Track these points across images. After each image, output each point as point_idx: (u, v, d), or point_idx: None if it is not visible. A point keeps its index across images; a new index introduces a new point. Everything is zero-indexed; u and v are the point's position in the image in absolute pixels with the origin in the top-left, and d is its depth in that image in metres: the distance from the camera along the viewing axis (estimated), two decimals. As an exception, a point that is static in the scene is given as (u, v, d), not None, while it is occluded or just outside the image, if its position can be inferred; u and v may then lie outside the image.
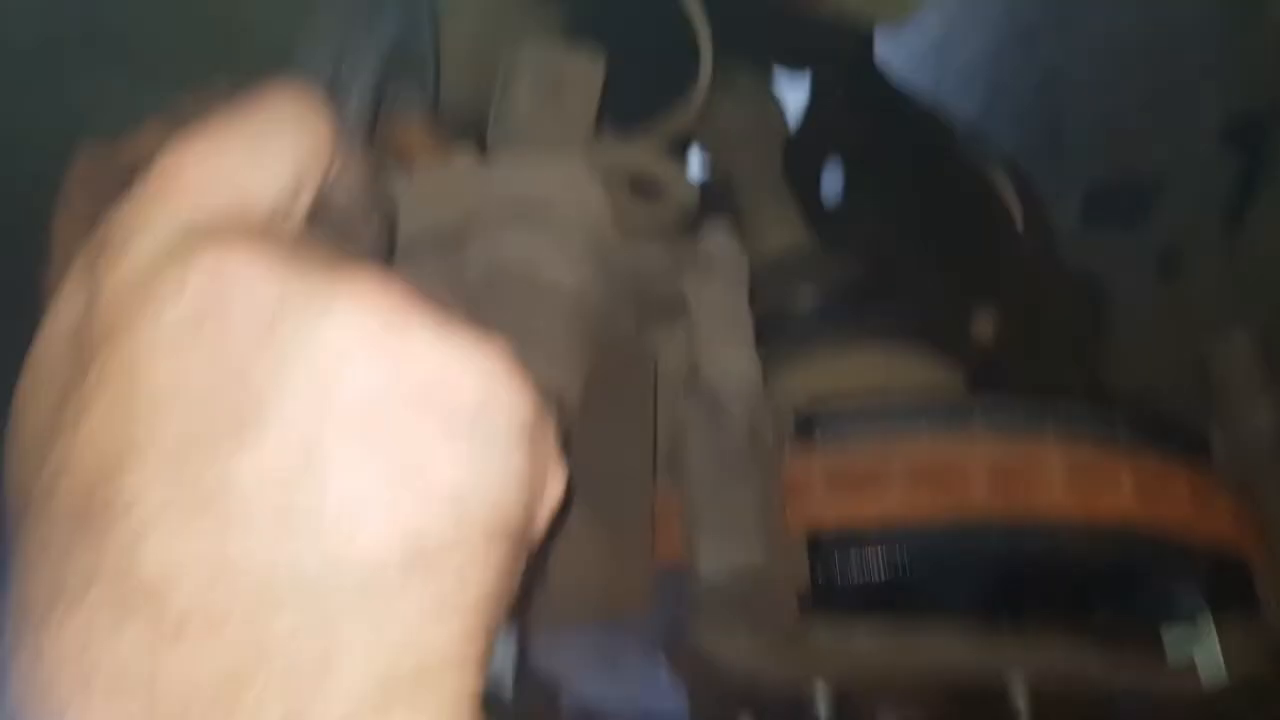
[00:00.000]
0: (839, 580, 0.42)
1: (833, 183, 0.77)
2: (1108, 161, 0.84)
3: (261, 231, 0.26)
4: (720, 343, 0.46)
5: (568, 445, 0.49)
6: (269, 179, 0.28)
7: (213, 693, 0.20)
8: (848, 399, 0.45)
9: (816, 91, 0.77)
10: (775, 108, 0.72)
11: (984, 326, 0.65)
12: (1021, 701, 0.48)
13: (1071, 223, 0.86)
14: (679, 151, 0.69)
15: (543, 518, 0.27)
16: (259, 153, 0.28)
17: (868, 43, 0.72)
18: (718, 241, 0.50)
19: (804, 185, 0.73)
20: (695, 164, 0.73)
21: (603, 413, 0.50)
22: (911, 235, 0.71)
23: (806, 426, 0.45)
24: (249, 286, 0.23)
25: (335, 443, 0.22)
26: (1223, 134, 0.73)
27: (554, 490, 0.27)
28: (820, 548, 0.42)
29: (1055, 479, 0.42)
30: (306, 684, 0.21)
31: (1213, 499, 0.43)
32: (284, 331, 0.23)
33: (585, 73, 0.59)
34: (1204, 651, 0.46)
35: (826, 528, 0.42)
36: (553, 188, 0.51)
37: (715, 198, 0.69)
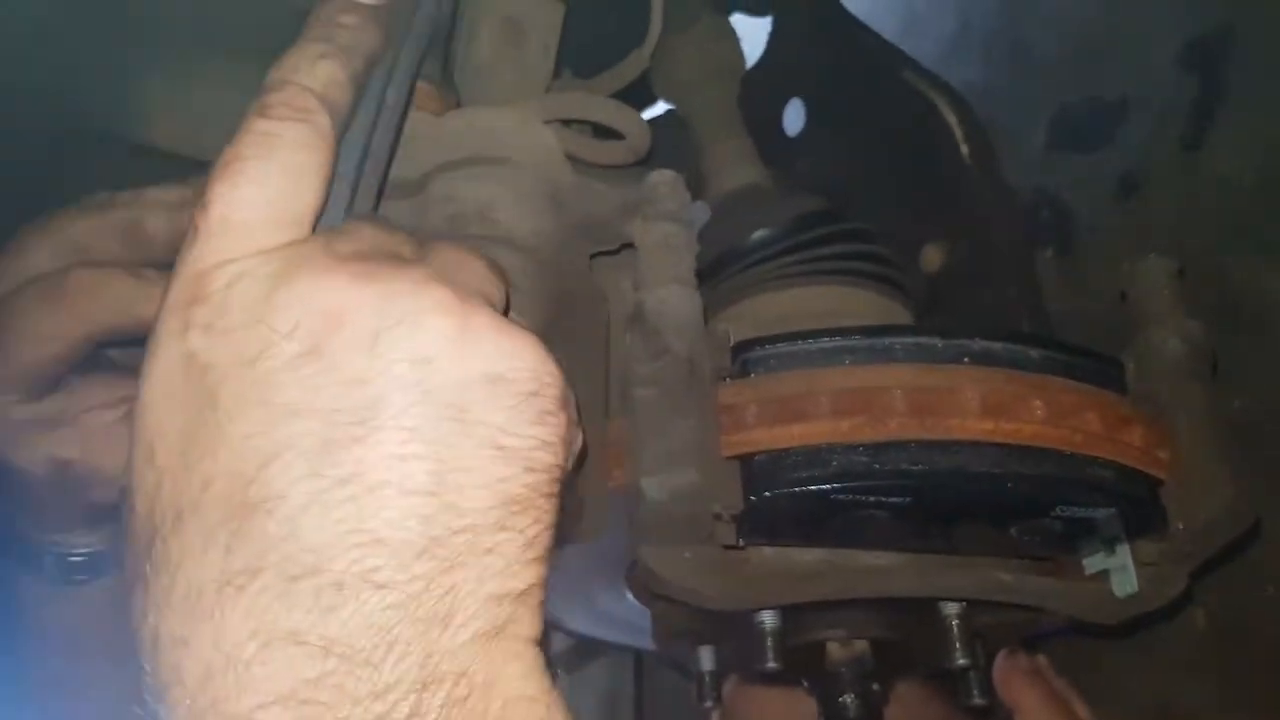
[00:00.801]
0: (771, 501, 0.45)
1: (793, 118, 0.78)
2: (1074, 83, 0.85)
3: (330, 251, 0.32)
4: (662, 281, 0.49)
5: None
6: (309, 195, 0.34)
7: (373, 641, 0.27)
8: (779, 333, 0.47)
9: (777, 30, 0.78)
10: (733, 47, 0.73)
11: (931, 256, 0.67)
12: (952, 615, 0.52)
13: (1039, 144, 0.87)
14: (639, 94, 0.71)
15: (573, 464, 0.34)
16: (291, 175, 0.33)
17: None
18: (664, 183, 0.53)
19: (762, 122, 0.75)
20: (654, 106, 0.75)
21: (558, 351, 0.53)
22: (867, 170, 0.73)
23: (741, 359, 0.47)
24: (347, 312, 0.30)
25: (437, 427, 0.29)
26: (1180, 58, 0.73)
27: (579, 440, 0.35)
28: (754, 471, 0.45)
29: (969, 404, 0.44)
30: (438, 625, 0.28)
31: (1123, 422, 0.46)
32: (382, 346, 0.30)
33: (546, 20, 0.60)
34: (1118, 568, 0.49)
35: (759, 450, 0.45)
36: (505, 138, 0.54)
37: (673, 138, 0.71)
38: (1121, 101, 0.80)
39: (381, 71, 0.41)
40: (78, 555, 0.54)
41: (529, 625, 0.30)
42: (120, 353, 0.52)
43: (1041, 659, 0.66)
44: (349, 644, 0.27)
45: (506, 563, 0.29)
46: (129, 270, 0.46)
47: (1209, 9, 0.71)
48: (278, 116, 0.34)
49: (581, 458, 0.36)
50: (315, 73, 0.36)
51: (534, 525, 0.30)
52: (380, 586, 0.28)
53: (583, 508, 0.49)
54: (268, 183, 0.32)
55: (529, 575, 0.30)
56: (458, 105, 0.54)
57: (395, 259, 0.33)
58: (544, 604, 0.30)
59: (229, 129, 0.34)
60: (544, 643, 0.31)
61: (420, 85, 0.50)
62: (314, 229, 0.34)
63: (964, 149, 0.64)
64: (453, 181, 0.54)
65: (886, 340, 0.46)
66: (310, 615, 0.27)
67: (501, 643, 0.29)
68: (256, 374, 0.29)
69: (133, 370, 0.45)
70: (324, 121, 0.35)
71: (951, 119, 0.64)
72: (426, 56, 0.48)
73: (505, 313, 0.36)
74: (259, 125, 0.34)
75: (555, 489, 0.31)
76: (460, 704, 0.27)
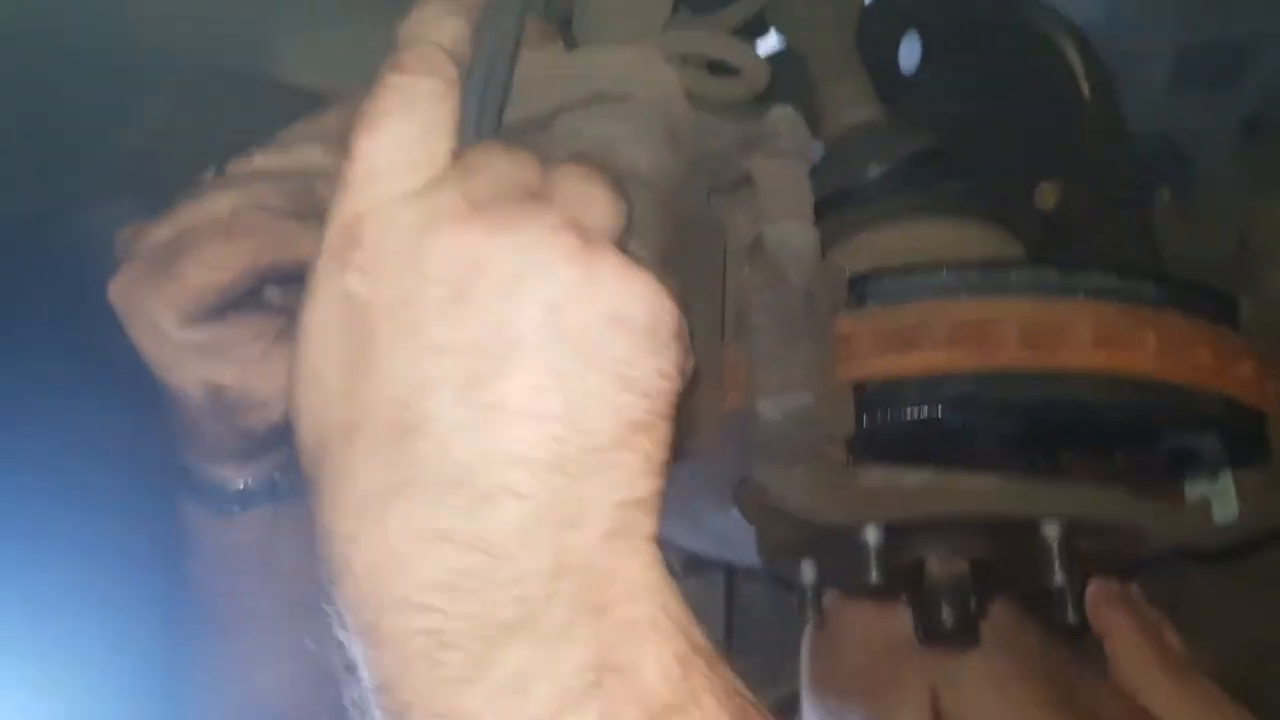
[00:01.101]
0: (883, 425, 0.47)
1: (908, 56, 0.78)
2: (1197, 25, 0.83)
3: (469, 197, 0.35)
4: (781, 216, 0.51)
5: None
6: (444, 142, 0.37)
7: (514, 540, 0.31)
8: (894, 266, 0.49)
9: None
10: (850, -17, 0.73)
11: (1047, 195, 0.68)
12: (1053, 537, 0.54)
13: (1161, 87, 0.85)
14: (754, 31, 0.72)
15: (686, 388, 0.38)
16: (427, 126, 0.37)
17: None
18: (783, 120, 0.54)
19: (879, 59, 0.75)
20: (770, 42, 0.75)
21: (679, 278, 0.55)
22: (983, 107, 0.73)
23: (858, 290, 0.49)
24: (486, 262, 0.33)
25: (568, 362, 0.33)
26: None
27: (691, 365, 0.39)
28: (868, 397, 0.48)
29: (1083, 337, 0.46)
30: (569, 527, 0.32)
31: (1234, 358, 0.47)
32: (520, 292, 0.33)
33: (662, -40, 0.62)
34: (1220, 495, 0.50)
35: (874, 379, 0.48)
36: (627, 74, 0.56)
37: (790, 74, 0.72)
38: (1247, 41, 0.78)
39: (497, 3, 0.44)
40: (233, 486, 0.60)
41: (648, 526, 0.34)
42: (278, 294, 0.57)
43: (1134, 587, 0.68)
44: (493, 541, 0.31)
45: (629, 476, 0.33)
46: (295, 215, 0.51)
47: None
48: (413, 71, 0.37)
49: (694, 380, 0.39)
50: (443, 28, 0.40)
51: (652, 443, 0.34)
52: (520, 496, 0.32)
53: (695, 425, 0.52)
54: (407, 134, 0.36)
55: (648, 486, 0.34)
56: (560, 40, 0.57)
57: (526, 197, 0.36)
58: (661, 510, 0.34)
59: (355, 63, 0.38)
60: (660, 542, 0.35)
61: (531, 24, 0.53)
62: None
63: (1085, 87, 0.64)
64: (576, 119, 0.57)
65: (1001, 273, 0.47)
66: (460, 519, 0.31)
67: (624, 541, 0.33)
68: (410, 314, 0.33)
69: (287, 311, 0.50)
70: (453, 74, 0.38)
71: (1074, 57, 0.64)
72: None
73: (625, 238, 0.39)
74: (396, 80, 0.37)
75: (671, 411, 0.35)
76: (587, 589, 0.32)
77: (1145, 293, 0.47)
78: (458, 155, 0.37)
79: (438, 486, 0.32)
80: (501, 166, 0.37)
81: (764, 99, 0.60)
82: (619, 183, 0.40)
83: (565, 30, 0.59)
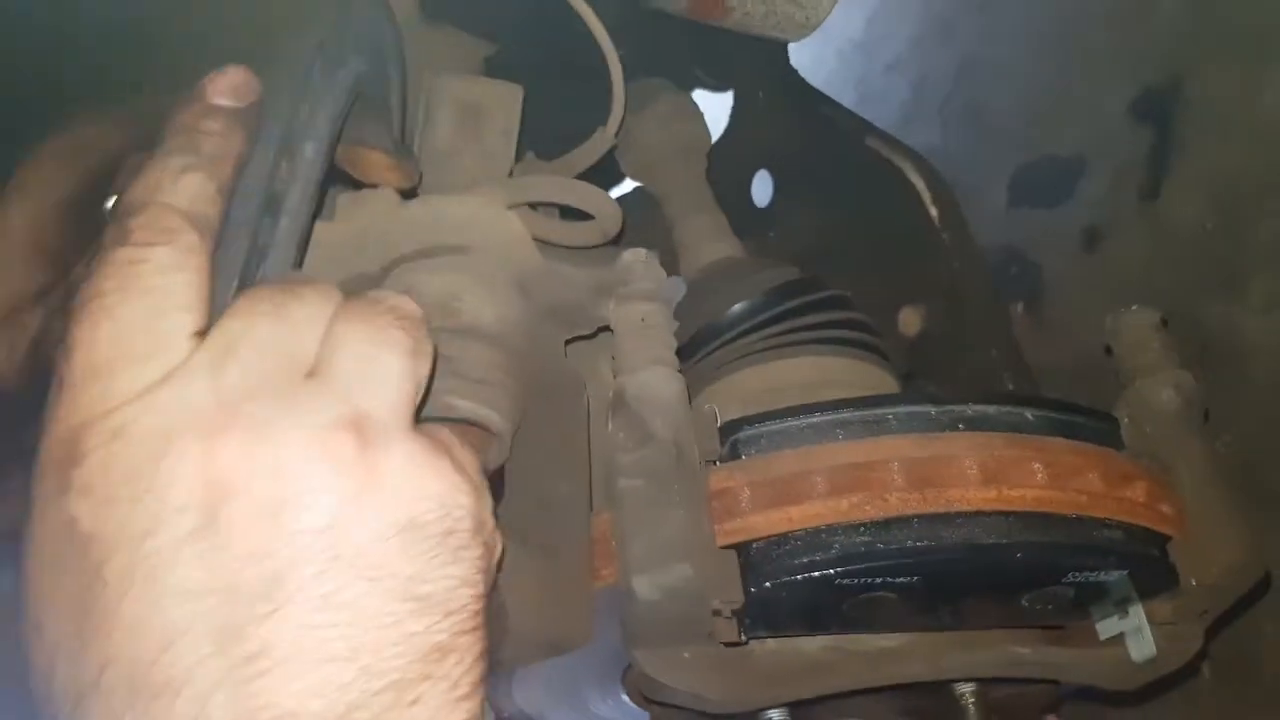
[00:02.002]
0: (773, 591, 0.43)
1: (763, 189, 0.78)
2: (1030, 142, 0.86)
3: (216, 393, 0.30)
4: (642, 364, 0.47)
5: (503, 481, 0.50)
6: (183, 317, 0.32)
7: None
8: (768, 411, 0.46)
9: (740, 102, 0.78)
10: (697, 122, 0.73)
11: (910, 320, 0.67)
12: (968, 694, 0.50)
13: (1001, 203, 0.88)
14: (604, 174, 0.70)
15: (494, 579, 0.34)
16: (156, 302, 0.32)
17: (783, 53, 0.73)
18: (637, 262, 0.51)
19: (732, 195, 0.74)
20: (620, 185, 0.74)
21: (536, 444, 0.51)
22: (838, 236, 0.72)
23: (730, 439, 0.46)
24: (241, 481, 0.28)
25: (350, 589, 0.28)
26: (1132, 111, 0.74)
27: (498, 548, 0.34)
28: (753, 560, 0.43)
29: (969, 473, 0.43)
30: None
31: (1125, 481, 0.45)
32: (284, 517, 0.28)
33: (505, 103, 0.60)
34: (1134, 632, 0.47)
35: (756, 538, 0.43)
36: (468, 225, 0.52)
37: (646, 214, 0.71)
38: (1078, 157, 0.81)
39: (275, 133, 0.40)
40: None
41: None
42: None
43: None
44: None
45: (433, 710, 0.29)
46: None
47: (1156, 63, 0.72)
48: (138, 241, 0.32)
49: (501, 559, 0.35)
50: (179, 188, 0.34)
51: (459, 664, 0.30)
52: None
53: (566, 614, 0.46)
54: (131, 318, 0.31)
55: (458, 714, 0.30)
56: (419, 175, 0.53)
57: (291, 381, 0.31)
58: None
59: None
60: None
61: (375, 155, 0.49)
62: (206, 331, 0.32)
63: (933, 211, 0.64)
64: (413, 272, 0.52)
65: (879, 411, 0.45)
66: None
67: None
68: (146, 551, 0.28)
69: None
70: (190, 239, 0.33)
71: (919, 182, 0.64)
72: (370, 122, 0.47)
73: (427, 389, 0.34)
74: (119, 255, 0.32)
75: (478, 620, 0.31)
76: None
77: (1025, 421, 0.45)
78: (211, 327, 0.32)
79: None
80: (265, 338, 0.31)
81: (619, 241, 0.57)
82: (420, 330, 0.34)
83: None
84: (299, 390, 0.31)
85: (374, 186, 0.51)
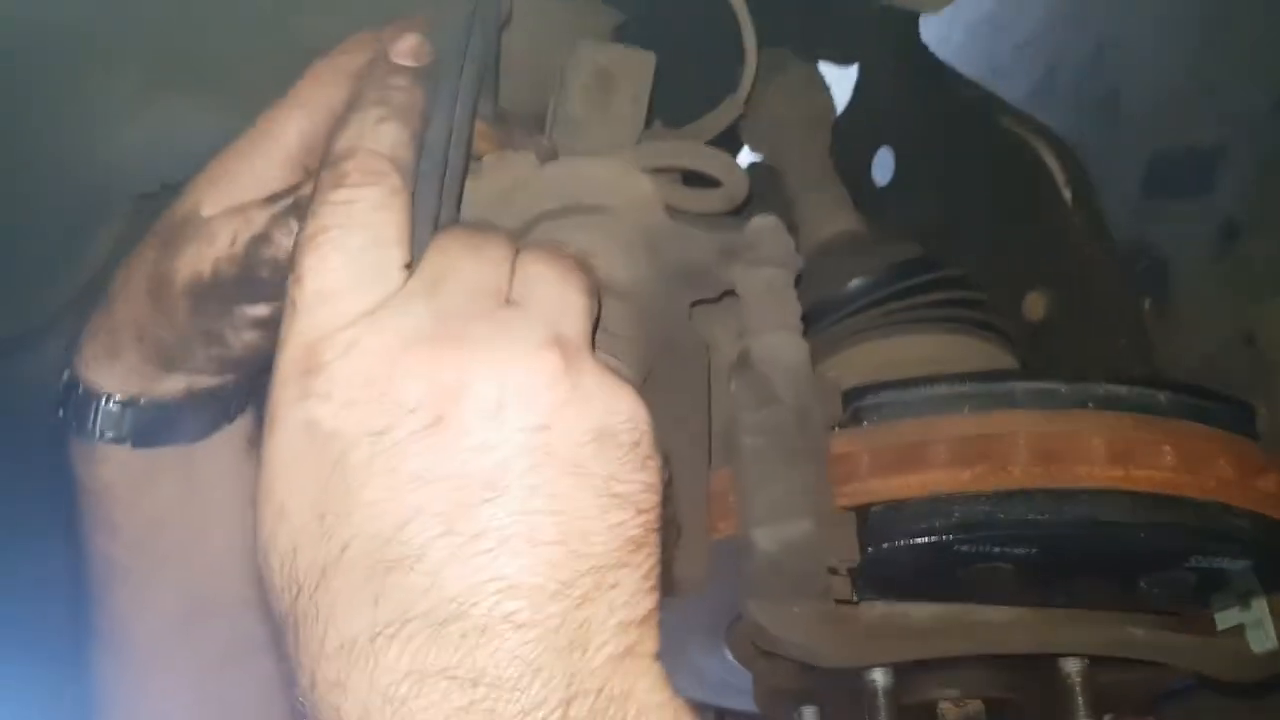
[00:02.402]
0: (889, 554, 0.44)
1: (884, 167, 0.78)
2: (1167, 131, 0.83)
3: (437, 313, 0.34)
4: (768, 328, 0.48)
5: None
6: (395, 250, 0.36)
7: (519, 671, 0.30)
8: (892, 380, 0.46)
9: (864, 77, 0.78)
10: (823, 95, 0.73)
11: (1035, 304, 0.66)
12: (1075, 673, 0.50)
13: (1133, 193, 0.85)
14: (730, 144, 0.71)
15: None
16: (374, 237, 0.35)
17: (913, 26, 0.72)
18: (766, 229, 0.52)
19: (855, 171, 0.74)
20: (746, 155, 0.75)
21: (659, 399, 0.52)
22: (960, 217, 0.72)
23: (853, 406, 0.46)
24: (467, 385, 0.32)
25: (559, 483, 0.32)
26: (1277, 103, 0.72)
27: (668, 479, 0.37)
28: (871, 523, 0.44)
29: (1096, 451, 0.43)
30: (576, 650, 0.31)
31: (1258, 471, 0.44)
32: (504, 415, 0.32)
33: (636, 70, 0.61)
34: (1254, 623, 0.46)
35: (874, 502, 0.44)
36: (604, 186, 0.54)
37: (767, 186, 0.71)
38: (1219, 148, 0.79)
39: (448, 95, 0.43)
40: (117, 395, 0.52)
41: (651, 644, 0.33)
42: None
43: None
44: (496, 674, 0.30)
45: (629, 594, 0.32)
46: None
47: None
48: (353, 183, 0.37)
49: (673, 506, 0.40)
50: (380, 136, 0.39)
51: (648, 559, 0.33)
52: (520, 626, 0.30)
53: (679, 558, 0.48)
54: (353, 249, 0.35)
55: (648, 602, 0.33)
56: (510, 145, 0.55)
57: (498, 307, 0.35)
58: (659, 622, 0.34)
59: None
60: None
61: (479, 125, 0.52)
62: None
63: (1066, 193, 0.63)
64: (552, 230, 0.54)
65: (1007, 385, 0.45)
66: (458, 654, 0.30)
67: (631, 660, 0.32)
68: (384, 444, 0.32)
69: None
70: (396, 180, 0.37)
71: (1053, 162, 0.63)
72: (481, 95, 0.50)
73: (595, 328, 0.38)
74: (338, 195, 0.36)
75: (660, 524, 0.34)
76: (602, 713, 0.30)
77: (1158, 403, 0.44)
78: (414, 262, 0.36)
79: (431, 623, 0.30)
80: (467, 271, 0.35)
81: (742, 211, 0.58)
82: (592, 278, 0.38)
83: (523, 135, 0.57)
84: (507, 314, 0.35)
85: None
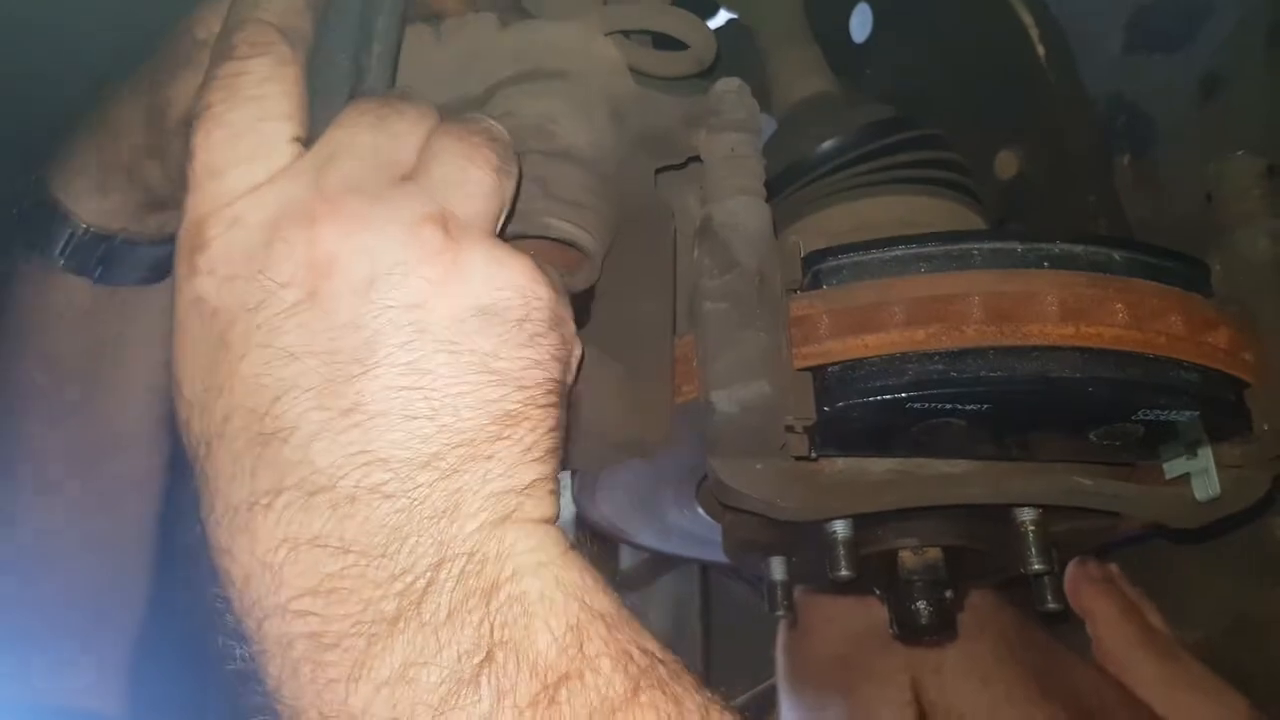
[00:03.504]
0: (845, 412, 0.45)
1: (860, 24, 0.76)
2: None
3: (320, 189, 0.33)
4: (730, 193, 0.48)
5: (592, 300, 0.52)
6: (283, 121, 0.35)
7: (386, 538, 0.31)
8: (850, 243, 0.47)
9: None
10: (796, -50, 0.70)
11: (1006, 163, 0.65)
12: (1028, 521, 0.52)
13: (1114, 48, 0.83)
14: (700, 3, 0.69)
15: (574, 373, 0.37)
16: (259, 108, 0.35)
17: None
18: (729, 93, 0.52)
19: (830, 29, 0.72)
20: (718, 16, 0.73)
21: (624, 267, 0.53)
22: (938, 75, 0.70)
23: (812, 270, 0.47)
24: (338, 261, 0.32)
25: (432, 359, 0.32)
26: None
27: (577, 349, 0.38)
28: (828, 383, 0.45)
29: (1049, 309, 0.43)
30: (445, 518, 0.31)
31: (1208, 327, 0.45)
32: (375, 292, 0.32)
33: (603, -72, 0.59)
34: (1200, 472, 0.48)
35: (831, 363, 0.45)
36: (567, 51, 0.53)
37: (738, 46, 0.69)
38: (1202, 1, 0.76)
39: None
40: (104, 228, 0.53)
41: (539, 510, 0.33)
42: None
43: (1113, 567, 0.66)
44: (365, 542, 0.31)
45: (506, 466, 0.33)
46: None
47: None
48: (239, 55, 0.36)
49: (581, 362, 0.39)
50: (270, 4, 0.38)
51: (532, 432, 0.34)
52: (388, 496, 0.31)
53: (646, 421, 0.49)
54: (239, 123, 0.35)
55: (531, 472, 0.33)
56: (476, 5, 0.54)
57: (389, 182, 0.35)
58: (554, 491, 0.34)
59: None
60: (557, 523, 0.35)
61: None
62: (306, 138, 0.36)
63: (1040, 50, 0.62)
64: (513, 96, 0.54)
65: (962, 246, 0.45)
66: (328, 523, 0.31)
67: (511, 526, 0.32)
68: (259, 319, 0.32)
69: None
70: (283, 50, 0.37)
71: (1027, 19, 0.62)
72: None
73: (511, 209, 0.38)
74: (224, 69, 0.36)
75: (551, 399, 0.35)
76: (475, 574, 0.31)
77: (1112, 261, 0.45)
78: (318, 133, 0.36)
79: (303, 493, 0.31)
80: (365, 144, 0.35)
81: (712, 73, 0.57)
82: (508, 154, 0.38)
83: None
84: (394, 189, 0.34)
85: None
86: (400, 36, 0.45)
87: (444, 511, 0.31)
